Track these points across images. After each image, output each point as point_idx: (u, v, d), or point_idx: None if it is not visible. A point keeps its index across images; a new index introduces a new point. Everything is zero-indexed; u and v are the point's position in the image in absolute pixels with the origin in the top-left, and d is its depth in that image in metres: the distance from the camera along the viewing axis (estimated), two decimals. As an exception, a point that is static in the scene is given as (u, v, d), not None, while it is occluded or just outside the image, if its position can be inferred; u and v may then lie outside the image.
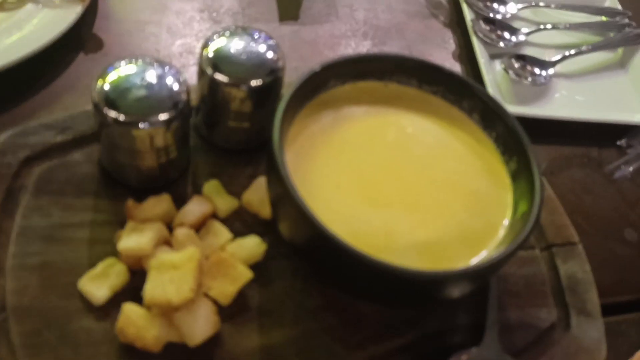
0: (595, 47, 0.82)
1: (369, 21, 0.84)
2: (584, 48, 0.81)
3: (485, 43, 0.79)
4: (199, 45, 0.58)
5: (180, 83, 0.52)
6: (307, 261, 0.51)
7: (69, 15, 0.67)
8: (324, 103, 0.55)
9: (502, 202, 0.52)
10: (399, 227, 0.48)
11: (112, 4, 0.76)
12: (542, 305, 0.56)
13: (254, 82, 0.54)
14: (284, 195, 0.46)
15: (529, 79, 0.76)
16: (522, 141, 0.52)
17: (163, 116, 0.50)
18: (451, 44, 0.82)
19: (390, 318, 0.53)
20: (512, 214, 0.51)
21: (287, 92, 0.50)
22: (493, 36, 0.80)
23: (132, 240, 0.49)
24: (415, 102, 0.57)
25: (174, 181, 0.57)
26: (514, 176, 0.53)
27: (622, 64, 0.84)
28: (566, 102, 0.77)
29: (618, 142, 0.76)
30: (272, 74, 0.55)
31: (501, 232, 0.50)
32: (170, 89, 0.51)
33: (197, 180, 0.58)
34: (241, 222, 0.56)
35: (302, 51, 0.75)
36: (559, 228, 0.62)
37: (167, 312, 0.47)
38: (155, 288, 0.46)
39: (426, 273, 0.44)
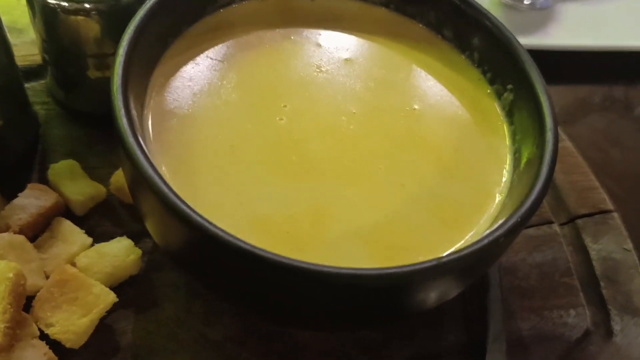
0: (607, -41, 0.65)
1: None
2: (593, -40, 0.64)
3: (464, -38, 0.61)
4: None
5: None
6: (197, 276, 0.33)
7: None
8: (215, 27, 0.38)
9: (496, 153, 0.35)
10: (335, 206, 0.32)
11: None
12: (569, 304, 0.42)
13: (108, 4, 0.37)
14: (134, 174, 0.29)
15: (526, 2, 0.63)
16: (519, 58, 0.36)
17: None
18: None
19: (340, 345, 0.38)
20: (512, 168, 0.34)
21: (140, 10, 0.32)
22: (473, -48, 0.63)
23: None
24: (356, 21, 0.40)
25: (10, 167, 0.41)
26: (511, 112, 0.37)
27: (644, -22, 0.69)
28: (576, 29, 0.62)
29: (649, 77, 0.62)
30: (135, -10, 0.37)
31: (497, 199, 0.33)
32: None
33: (49, 163, 0.41)
34: (110, 219, 0.40)
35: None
36: (583, 192, 0.48)
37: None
38: None
39: (376, 274, 0.27)
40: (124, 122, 0.28)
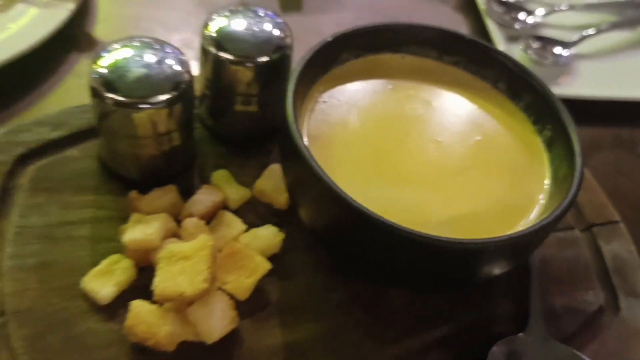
0: (614, 26, 0.79)
1: (375, 8, 0.81)
2: (603, 27, 0.77)
3: (500, 25, 0.75)
4: (197, 39, 0.55)
5: (181, 63, 0.48)
6: (331, 248, 0.47)
7: (61, 14, 0.64)
8: (337, 78, 0.51)
9: (539, 172, 0.48)
10: (431, 204, 0.45)
11: (104, 2, 0.74)
12: (588, 287, 0.52)
13: (261, 59, 0.50)
14: (305, 175, 0.41)
15: (550, 59, 0.74)
16: (556, 106, 0.49)
17: (164, 96, 0.46)
18: (464, 28, 0.79)
19: (423, 310, 0.49)
20: (552, 182, 0.47)
21: (297, 65, 0.46)
22: (507, 18, 0.77)
23: (137, 232, 0.45)
24: (434, 75, 0.53)
25: (179, 175, 0.53)
26: (550, 144, 0.49)
27: (643, 43, 0.81)
28: (591, 82, 0.73)
29: (651, 122, 0.71)
30: (280, 50, 0.51)
31: (541, 202, 0.46)
32: (171, 69, 0.47)
33: (204, 173, 0.54)
34: (254, 214, 0.52)
35: (307, 40, 0.71)
36: (598, 207, 0.58)
37: (180, 307, 0.43)
38: (165, 280, 0.42)
39: (463, 242, 0.39)
40: (301, 143, 0.41)
